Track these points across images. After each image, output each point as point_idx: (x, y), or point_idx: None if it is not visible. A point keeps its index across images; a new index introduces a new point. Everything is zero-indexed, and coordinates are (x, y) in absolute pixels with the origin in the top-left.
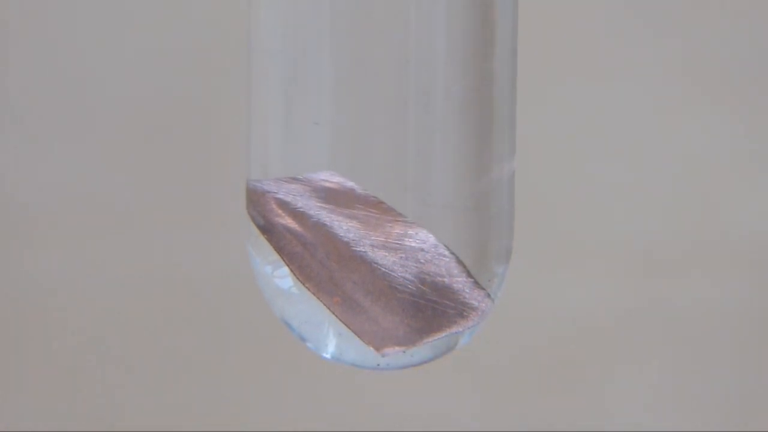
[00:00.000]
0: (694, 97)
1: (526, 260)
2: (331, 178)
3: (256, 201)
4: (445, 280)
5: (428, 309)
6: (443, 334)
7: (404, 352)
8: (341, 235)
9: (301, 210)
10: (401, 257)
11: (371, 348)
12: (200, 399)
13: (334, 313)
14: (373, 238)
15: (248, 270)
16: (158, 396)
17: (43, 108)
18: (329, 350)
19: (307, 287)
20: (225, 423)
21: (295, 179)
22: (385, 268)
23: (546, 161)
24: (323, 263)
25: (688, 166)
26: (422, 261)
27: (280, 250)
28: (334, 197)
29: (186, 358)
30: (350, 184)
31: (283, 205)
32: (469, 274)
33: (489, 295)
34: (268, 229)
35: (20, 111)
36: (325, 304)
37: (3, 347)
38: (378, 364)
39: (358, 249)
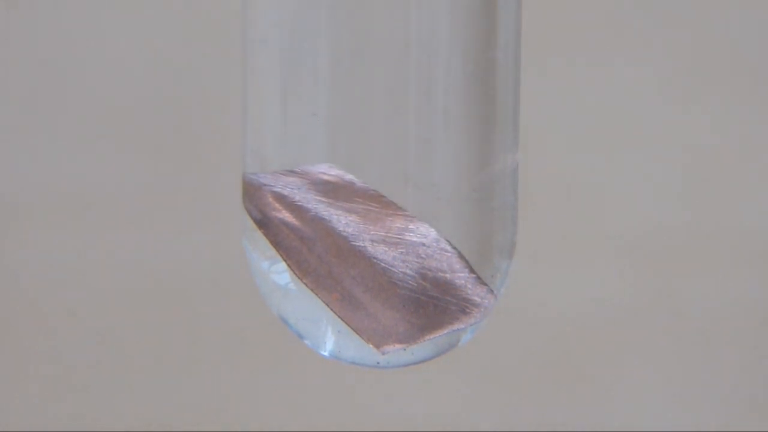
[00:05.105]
0: (701, 88)
1: (530, 255)
2: (329, 171)
3: (253, 194)
4: (447, 275)
5: (429, 305)
6: (445, 332)
7: (405, 349)
8: (340, 229)
9: (299, 203)
10: (402, 252)
11: (371, 345)
12: (195, 398)
13: (332, 310)
14: (372, 232)
15: (244, 265)
16: (152, 394)
17: (34, 102)
18: (328, 348)
19: (305, 283)
20: (221, 422)
21: (292, 172)
22: (386, 264)
23: (550, 154)
24: (322, 258)
25: (694, 159)
26: (423, 256)
27: (277, 244)
28: (332, 190)
29: (180, 357)
30: (349, 176)
31: (281, 198)
32: (471, 270)
33: (492, 291)
34: (264, 224)
35: (11, 106)
36: (323, 301)
37: None
38: (378, 362)
39: (358, 244)
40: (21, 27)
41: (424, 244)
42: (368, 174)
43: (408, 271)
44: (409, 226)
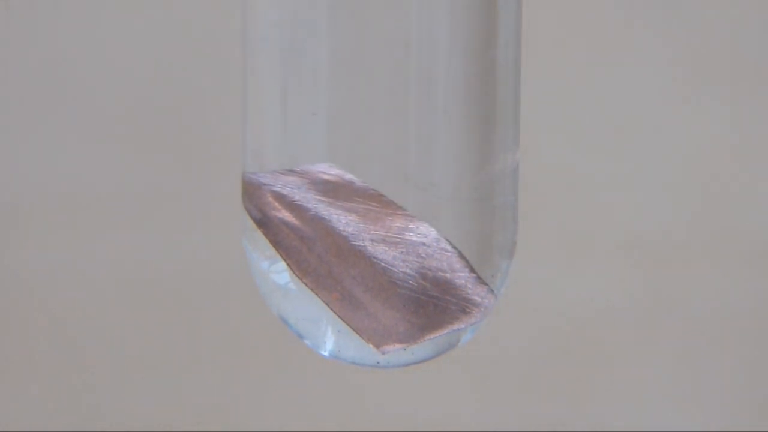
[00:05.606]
0: (701, 88)
1: (530, 255)
2: (329, 170)
3: (252, 194)
4: (447, 275)
5: (430, 305)
6: (445, 331)
7: (405, 349)
8: (340, 228)
9: (299, 203)
10: (402, 252)
11: (371, 345)
12: (195, 398)
13: (332, 310)
14: (372, 232)
15: (244, 265)
16: (151, 394)
17: (34, 102)
18: (328, 348)
19: (304, 283)
20: (221, 422)
21: (292, 171)
22: (386, 263)
23: (550, 153)
24: (321, 258)
25: (694, 158)
26: (423, 255)
27: (276, 244)
28: (332, 190)
29: (180, 357)
30: (349, 176)
31: (280, 197)
32: (471, 269)
33: (492, 291)
34: (264, 223)
35: (10, 106)
36: (323, 300)
37: None
38: (378, 362)
39: (358, 243)
40: (20, 27)
41: (424, 244)
42: (368, 173)
43: (408, 271)
44: (409, 226)
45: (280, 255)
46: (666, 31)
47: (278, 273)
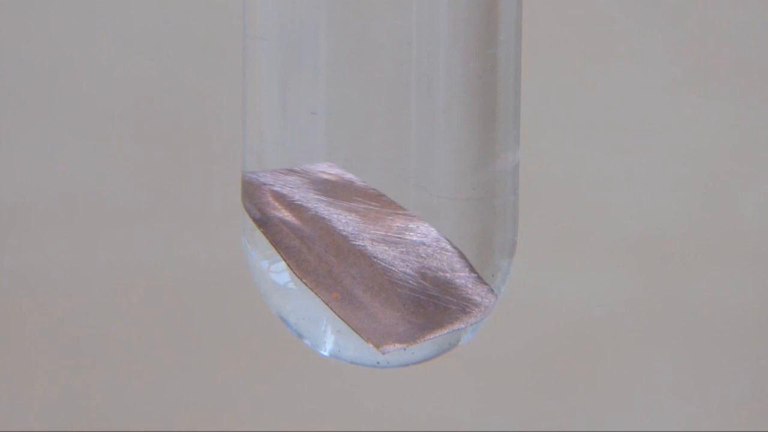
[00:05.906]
0: (701, 87)
1: (531, 255)
2: (329, 170)
3: (252, 193)
4: (447, 275)
5: (430, 305)
6: (445, 331)
7: (405, 349)
8: (340, 228)
9: (299, 202)
10: (402, 251)
11: (371, 345)
12: (193, 397)
13: (332, 310)
14: (372, 231)
15: (243, 265)
16: (150, 394)
17: (33, 102)
18: (327, 347)
19: (304, 282)
20: (219, 422)
21: (292, 171)
22: (385, 263)
23: (551, 153)
24: (321, 258)
25: (695, 158)
26: (423, 255)
27: (276, 244)
28: (332, 189)
29: (179, 357)
30: (349, 175)
31: (280, 197)
32: (471, 269)
33: (492, 291)
34: (264, 223)
35: (9, 106)
36: (323, 300)
37: None
38: (378, 362)
39: (358, 243)
40: (19, 26)
41: (424, 244)
42: (368, 173)
43: (408, 271)
44: (409, 225)
45: (280, 255)
46: (666, 31)
47: (278, 273)
